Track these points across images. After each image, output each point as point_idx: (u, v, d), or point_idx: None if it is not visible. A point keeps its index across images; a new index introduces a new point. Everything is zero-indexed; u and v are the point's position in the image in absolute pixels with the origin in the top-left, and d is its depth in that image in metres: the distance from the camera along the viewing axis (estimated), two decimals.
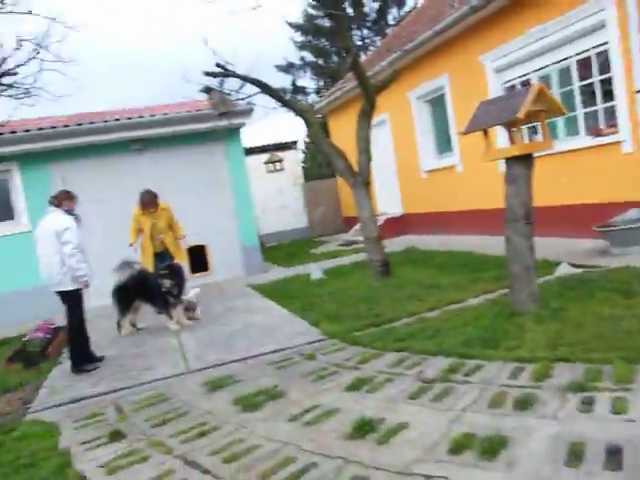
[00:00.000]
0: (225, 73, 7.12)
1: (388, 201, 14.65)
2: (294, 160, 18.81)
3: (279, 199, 18.23)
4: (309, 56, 26.50)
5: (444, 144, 12.10)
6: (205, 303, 7.61)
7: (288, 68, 26.01)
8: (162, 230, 8.17)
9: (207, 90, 7.38)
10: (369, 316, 6.18)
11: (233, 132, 10.86)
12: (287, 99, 7.64)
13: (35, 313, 9.14)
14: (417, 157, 12.87)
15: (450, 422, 3.20)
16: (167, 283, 6.96)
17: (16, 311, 9.50)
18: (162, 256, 8.14)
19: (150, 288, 7.04)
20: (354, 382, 4.15)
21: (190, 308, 7.38)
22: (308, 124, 8.28)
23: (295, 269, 10.71)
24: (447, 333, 5.06)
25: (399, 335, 5.26)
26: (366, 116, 7.89)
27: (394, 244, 12.01)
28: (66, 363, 6.23)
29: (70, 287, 5.69)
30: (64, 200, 5.88)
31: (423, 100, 12.54)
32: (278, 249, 15.23)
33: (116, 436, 3.75)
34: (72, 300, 5.83)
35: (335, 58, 26.35)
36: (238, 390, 4.39)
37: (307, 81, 26.69)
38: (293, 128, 37.33)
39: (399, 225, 13.86)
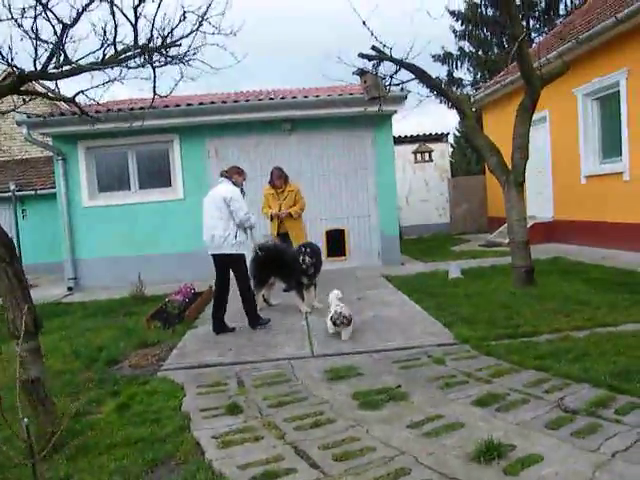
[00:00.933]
0: (380, 56, 6.91)
1: (538, 205, 13.63)
2: (443, 153, 18.21)
3: (423, 192, 17.78)
4: (468, 46, 25.40)
5: (611, 148, 10.92)
6: (339, 289, 7.53)
7: (445, 58, 25.08)
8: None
9: (361, 73, 7.21)
10: (507, 325, 5.72)
11: (384, 119, 10.65)
12: (443, 88, 7.23)
13: (180, 275, 9.76)
14: (577, 160, 11.77)
15: (595, 467, 2.77)
16: (308, 261, 6.75)
17: (164, 271, 10.17)
18: (283, 238, 8.24)
19: (286, 265, 6.97)
20: (484, 397, 3.81)
21: (342, 323, 5.64)
22: (463, 115, 7.84)
23: (433, 265, 10.32)
24: (596, 359, 4.49)
25: (539, 352, 4.78)
26: (526, 111, 7.27)
27: (540, 251, 11.12)
28: (201, 327, 6.51)
29: (228, 251, 6.08)
30: (235, 174, 6.39)
31: (592, 97, 11.40)
32: (417, 242, 14.85)
33: (234, 409, 3.77)
34: (237, 264, 6.23)
35: (496, 50, 25.02)
36: (359, 384, 4.23)
37: (464, 73, 25.52)
38: (443, 121, 36.18)
39: (548, 231, 12.85)
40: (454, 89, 24.69)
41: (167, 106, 9.84)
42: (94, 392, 4.39)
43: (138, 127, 9.49)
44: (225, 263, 6.27)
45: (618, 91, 10.38)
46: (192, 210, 10.32)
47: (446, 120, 42.08)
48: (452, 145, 25.48)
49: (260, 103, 10.05)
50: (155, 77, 4.42)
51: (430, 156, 16.92)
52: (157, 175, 10.80)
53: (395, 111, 10.32)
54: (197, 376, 4.73)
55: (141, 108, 8.55)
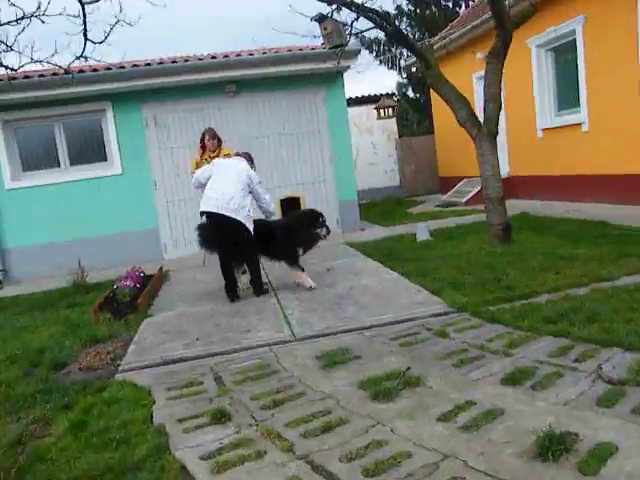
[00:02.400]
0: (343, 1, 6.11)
1: None
2: (388, 114, 17.63)
3: (371, 154, 17.24)
4: (406, 4, 24.76)
5: (568, 100, 10.64)
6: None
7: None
8: None
9: (320, 18, 6.44)
10: (498, 288, 5.25)
11: (335, 76, 9.94)
12: (406, 36, 6.57)
13: (123, 258, 8.85)
14: (532, 114, 11.46)
15: None
16: (325, 232, 6.12)
17: (106, 255, 9.21)
18: None
19: (277, 240, 6.14)
20: (512, 373, 3.28)
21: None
22: (427, 65, 7.24)
23: (395, 229, 9.81)
24: (611, 318, 4.05)
25: (547, 315, 4.31)
26: (498, 57, 6.76)
27: None
28: (158, 315, 5.73)
29: (243, 219, 5.86)
30: (249, 160, 6.39)
31: (546, 48, 11.04)
32: (370, 207, 14.32)
33: (220, 416, 3.08)
34: (247, 233, 5.93)
35: (434, 8, 24.52)
36: (361, 369, 3.62)
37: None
38: (381, 84, 35.67)
39: (505, 188, 12.46)
40: (393, 48, 24.16)
41: (96, 70, 8.74)
42: (39, 408, 3.57)
43: (64, 95, 8.44)
44: (232, 228, 5.87)
45: (574, 40, 10.04)
46: (133, 185, 9.39)
47: (384, 83, 41.32)
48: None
49: (201, 63, 9.10)
50: (85, 15, 3.54)
51: (394, 110, 15.84)
52: (90, 149, 9.68)
53: (348, 67, 9.60)
54: (164, 376, 3.99)
55: (66, 72, 7.46)
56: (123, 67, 8.87)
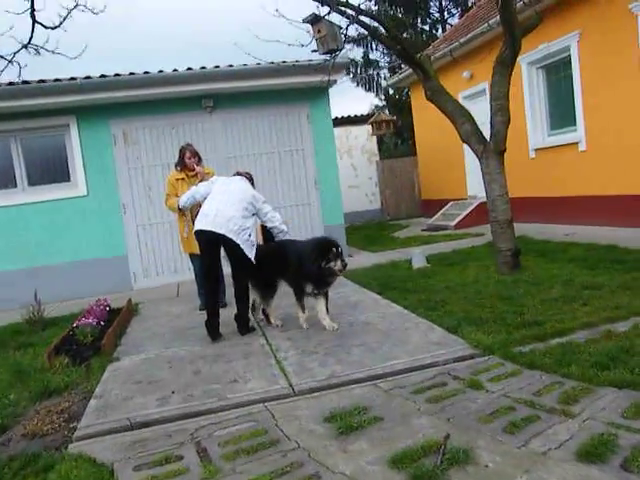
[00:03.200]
0: (338, 1, 5.44)
1: (481, 183, 12.78)
2: (369, 135, 17.10)
3: (352, 177, 16.59)
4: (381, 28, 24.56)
5: (562, 118, 10.18)
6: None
7: (360, 40, 24.10)
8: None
9: (313, 20, 5.76)
10: (522, 323, 4.55)
11: (319, 92, 9.29)
12: (405, 47, 5.95)
13: (88, 288, 7.96)
14: (524, 133, 10.97)
15: None
16: (340, 266, 4.91)
17: (68, 285, 8.27)
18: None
19: (288, 266, 5.22)
20: (589, 445, 2.53)
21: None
22: (427, 77, 6.61)
23: (385, 255, 9.09)
24: None
25: (594, 358, 3.62)
26: (506, 66, 6.16)
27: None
28: (125, 359, 4.85)
29: (241, 243, 5.08)
30: (249, 180, 5.63)
31: (537, 66, 10.62)
32: (353, 231, 13.57)
33: None
34: (243, 257, 5.13)
35: (410, 30, 24.35)
36: (387, 438, 2.84)
37: (379, 55, 24.66)
38: (359, 105, 35.32)
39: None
40: (371, 71, 23.84)
41: (59, 79, 7.91)
42: None
43: (23, 108, 7.59)
44: (228, 249, 5.20)
45: (569, 56, 9.61)
46: (99, 208, 8.54)
47: (363, 104, 40.92)
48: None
49: (175, 74, 8.33)
50: None
51: (392, 126, 14.60)
52: (52, 168, 8.76)
53: (335, 81, 8.96)
54: (132, 446, 3.14)
55: (24, 82, 6.61)
56: (89, 77, 8.05)
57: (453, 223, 11.89)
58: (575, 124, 9.65)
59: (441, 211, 13.24)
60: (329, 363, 4.13)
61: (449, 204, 13.30)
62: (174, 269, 8.95)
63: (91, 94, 8.09)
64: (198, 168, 6.41)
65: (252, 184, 5.61)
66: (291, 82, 8.70)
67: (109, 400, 3.87)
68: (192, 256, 6.48)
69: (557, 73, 10.23)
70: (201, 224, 5.15)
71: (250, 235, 5.12)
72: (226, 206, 5.14)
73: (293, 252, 5.17)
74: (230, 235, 5.02)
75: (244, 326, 5.26)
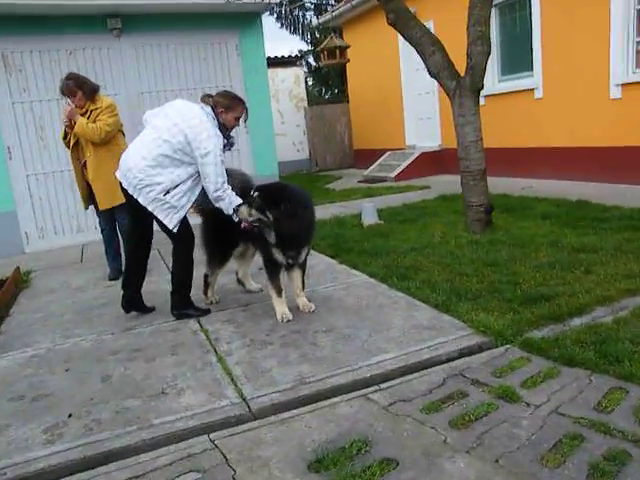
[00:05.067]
0: None
1: (421, 133, 11.98)
2: (297, 79, 15.75)
3: (278, 124, 15.17)
4: None
5: (516, 63, 9.34)
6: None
7: None
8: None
9: None
10: (524, 298, 3.68)
11: (250, 18, 7.88)
12: None
13: None
14: None
15: None
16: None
17: None
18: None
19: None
20: None
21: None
22: None
23: (325, 209, 7.99)
24: None
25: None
26: None
27: (439, 184, 9.45)
28: (2, 357, 3.52)
29: (149, 206, 3.72)
30: (221, 105, 3.74)
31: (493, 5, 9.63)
32: None
33: None
34: (162, 227, 3.79)
35: None
36: None
37: None
38: (283, 47, 33.24)
39: (435, 162, 11.22)
40: (296, 12, 22.14)
41: None
42: None
43: None
44: (144, 212, 3.74)
45: None
46: None
47: (285, 47, 38.39)
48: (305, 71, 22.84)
49: None
50: None
51: (345, 54, 11.86)
52: None
53: (269, 4, 7.56)
54: None
55: None
56: None
57: (393, 174, 10.96)
58: (532, 69, 8.84)
59: (378, 162, 12.27)
60: (292, 360, 3.04)
61: (386, 154, 12.34)
62: (77, 228, 7.45)
63: None
64: (67, 107, 4.93)
65: (227, 114, 3.71)
66: (217, 3, 7.20)
67: None
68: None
69: (513, 13, 9.31)
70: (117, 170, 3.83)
71: (167, 194, 3.61)
72: (135, 148, 3.74)
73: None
74: (130, 190, 3.68)
75: (180, 305, 3.94)
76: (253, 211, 3.53)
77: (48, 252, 7.08)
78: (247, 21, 7.87)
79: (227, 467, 2.13)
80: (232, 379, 2.88)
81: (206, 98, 3.79)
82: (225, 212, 3.66)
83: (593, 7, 7.52)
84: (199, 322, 3.81)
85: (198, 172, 3.65)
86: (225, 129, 3.74)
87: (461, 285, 4.02)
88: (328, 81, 22.23)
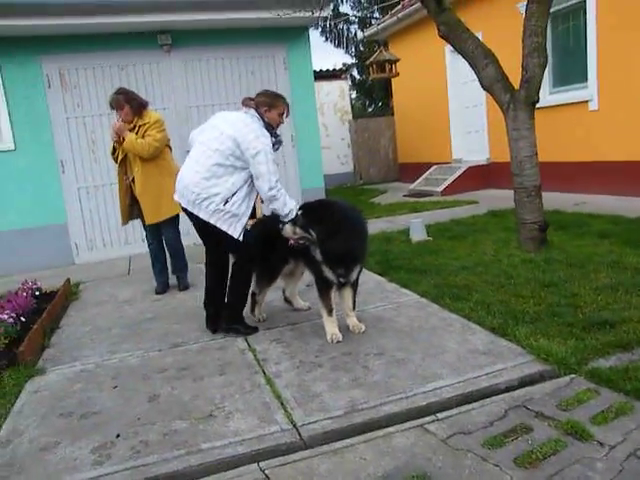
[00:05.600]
0: None
1: (468, 146, 11.74)
2: (342, 92, 15.74)
3: (322, 137, 15.14)
4: None
5: (569, 73, 9.06)
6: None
7: None
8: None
9: None
10: (587, 323, 3.47)
11: (298, 32, 7.89)
12: None
13: (18, 264, 6.56)
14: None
15: None
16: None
17: None
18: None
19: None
20: None
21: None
22: (439, 8, 5.33)
23: (373, 224, 7.83)
24: None
25: None
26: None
27: (487, 199, 9.22)
28: (51, 372, 3.53)
29: (209, 218, 3.68)
30: (265, 105, 3.71)
31: None
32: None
33: None
34: (226, 240, 3.73)
35: None
36: None
37: (349, 7, 22.93)
38: (328, 60, 33.25)
39: (483, 176, 10.98)
40: (341, 25, 22.20)
41: None
42: None
43: None
44: (204, 230, 3.77)
45: (583, 3, 8.42)
46: (31, 166, 7.06)
47: (329, 61, 38.43)
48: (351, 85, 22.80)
49: (121, 0, 6.75)
50: None
51: (395, 68, 11.42)
52: None
53: (318, 18, 7.55)
54: None
55: None
56: None
57: (439, 189, 10.76)
58: (586, 80, 8.55)
59: (424, 175, 12.09)
60: (342, 384, 2.93)
61: (432, 168, 12.15)
62: (125, 240, 7.55)
63: (12, 19, 6.42)
64: (116, 123, 5.01)
65: (270, 113, 3.67)
66: (266, 17, 7.22)
67: (18, 452, 2.56)
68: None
69: (567, 22, 9.04)
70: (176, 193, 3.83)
71: (227, 203, 3.55)
72: (187, 166, 3.71)
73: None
74: (190, 208, 3.66)
75: (231, 320, 3.89)
76: (297, 229, 3.49)
77: (97, 264, 7.18)
78: (295, 35, 7.88)
79: None
80: (282, 403, 2.78)
81: (247, 101, 3.76)
82: (280, 213, 3.59)
83: None
84: (247, 341, 3.75)
85: (252, 176, 3.60)
86: (271, 128, 3.70)
87: (517, 307, 3.83)
88: (372, 94, 22.19)
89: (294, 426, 2.54)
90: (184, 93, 7.63)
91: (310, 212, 3.50)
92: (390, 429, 2.47)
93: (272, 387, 2.98)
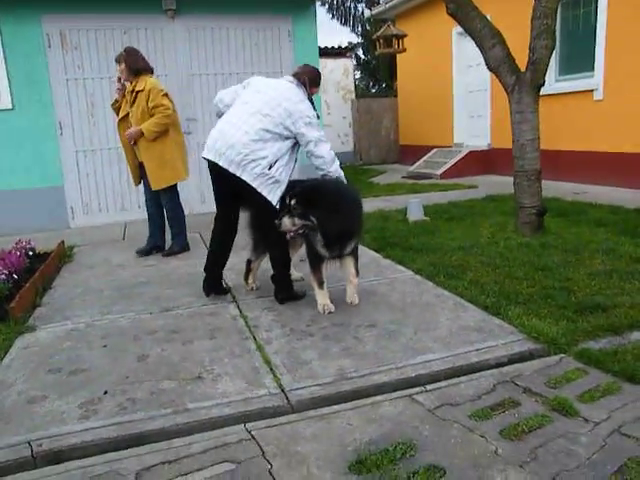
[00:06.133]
0: None
1: (470, 131, 11.67)
2: (346, 70, 15.58)
3: (324, 115, 15.09)
4: None
5: (576, 62, 8.98)
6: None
7: None
8: (138, 124, 5.05)
9: None
10: (579, 306, 3.48)
11: (304, 4, 7.76)
12: None
13: (13, 224, 6.53)
14: None
15: None
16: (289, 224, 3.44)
17: None
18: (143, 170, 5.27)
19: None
20: None
21: None
22: None
23: (371, 202, 7.83)
24: None
25: None
26: None
27: (487, 184, 9.19)
28: (41, 329, 3.52)
29: (254, 182, 3.58)
30: (311, 80, 3.82)
31: None
32: None
33: None
34: (261, 205, 3.65)
35: None
36: None
37: None
38: (334, 39, 32.84)
39: (483, 162, 10.94)
40: (348, 3, 21.90)
41: None
42: None
43: None
44: (242, 194, 3.70)
45: None
46: (29, 126, 6.98)
47: (335, 39, 37.91)
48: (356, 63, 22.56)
49: None
50: None
51: (402, 43, 11.43)
52: None
53: None
54: None
55: None
56: None
57: (439, 172, 10.72)
58: (592, 69, 8.47)
59: (424, 158, 12.03)
60: (333, 353, 2.93)
61: (433, 151, 12.09)
62: (121, 206, 7.51)
63: None
64: (117, 84, 5.10)
65: (315, 88, 3.83)
66: None
67: (5, 403, 2.56)
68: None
69: (575, 9, 8.94)
70: (206, 149, 3.70)
71: (271, 167, 3.50)
72: (233, 124, 3.57)
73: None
74: (232, 169, 3.53)
75: (283, 291, 3.83)
76: (296, 220, 3.40)
77: (92, 228, 7.14)
78: (301, 7, 7.77)
79: (263, 460, 2.03)
80: (271, 368, 2.78)
81: (300, 71, 3.82)
82: (340, 174, 3.68)
83: None
84: (238, 307, 3.74)
85: (293, 145, 3.63)
86: (311, 102, 3.71)
87: (511, 288, 3.83)
88: (376, 75, 21.99)
89: (282, 390, 2.55)
90: (187, 61, 7.53)
91: (305, 198, 3.39)
92: (378, 397, 2.48)
93: (262, 353, 2.98)
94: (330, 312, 3.51)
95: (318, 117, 3.69)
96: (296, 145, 3.67)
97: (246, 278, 4.11)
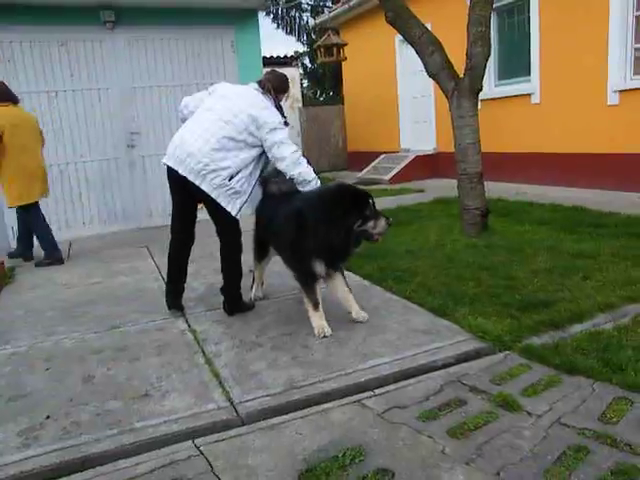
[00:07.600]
0: None
1: (416, 136, 11.89)
2: (293, 79, 15.59)
3: None
4: None
5: (513, 67, 9.28)
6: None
7: None
8: None
9: None
10: (523, 303, 3.59)
11: (248, 14, 7.76)
12: None
13: None
14: None
15: None
16: (380, 228, 3.58)
17: None
18: None
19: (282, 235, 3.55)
20: None
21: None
22: None
23: None
24: None
25: None
26: None
27: (434, 188, 9.38)
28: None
29: (213, 193, 3.53)
30: (276, 86, 3.75)
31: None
32: None
33: None
34: (223, 216, 3.62)
35: None
36: None
37: None
38: (278, 48, 33.05)
39: (430, 166, 11.16)
40: (293, 12, 22.03)
41: None
42: None
43: None
44: (203, 202, 3.61)
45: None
46: None
47: (281, 49, 38.04)
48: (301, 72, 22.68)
49: None
50: None
51: (343, 52, 11.64)
52: None
53: (266, 1, 7.45)
54: None
55: None
56: None
57: (387, 177, 10.87)
58: (529, 74, 8.78)
59: (372, 164, 12.17)
60: (282, 363, 2.92)
61: (381, 157, 12.25)
62: (65, 224, 7.28)
63: None
64: None
65: (281, 95, 3.75)
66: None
67: None
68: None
69: (512, 17, 9.25)
70: (165, 157, 3.59)
71: (232, 179, 3.42)
72: (194, 132, 3.47)
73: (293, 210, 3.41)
74: (191, 177, 3.43)
75: (233, 303, 3.77)
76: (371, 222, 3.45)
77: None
78: (243, 17, 7.76)
79: (212, 476, 2.00)
80: (220, 382, 2.75)
81: (266, 78, 3.73)
82: (307, 178, 3.55)
83: (592, 14, 7.47)
84: (187, 322, 3.69)
85: (260, 155, 3.54)
86: (279, 109, 3.64)
87: (458, 289, 3.92)
88: (323, 83, 22.17)
89: (231, 404, 2.52)
90: (128, 73, 7.40)
91: (355, 200, 3.40)
92: (328, 405, 2.48)
93: (211, 366, 2.94)
94: (325, 336, 3.25)
95: (287, 123, 3.60)
96: (262, 154, 3.58)
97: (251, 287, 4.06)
